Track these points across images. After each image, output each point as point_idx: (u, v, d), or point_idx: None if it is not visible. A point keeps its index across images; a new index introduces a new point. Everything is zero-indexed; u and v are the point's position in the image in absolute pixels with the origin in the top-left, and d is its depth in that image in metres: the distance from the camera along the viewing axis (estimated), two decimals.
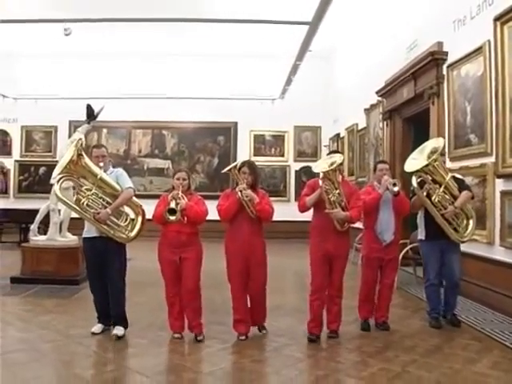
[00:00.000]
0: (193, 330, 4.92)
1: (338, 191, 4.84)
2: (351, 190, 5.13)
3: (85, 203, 4.76)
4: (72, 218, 8.14)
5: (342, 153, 6.34)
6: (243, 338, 4.90)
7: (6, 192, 16.12)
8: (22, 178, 16.41)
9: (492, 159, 6.29)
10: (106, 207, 4.81)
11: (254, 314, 5.08)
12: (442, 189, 5.23)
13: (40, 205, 11.91)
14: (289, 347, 4.71)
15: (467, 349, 4.69)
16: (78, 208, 4.79)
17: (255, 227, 4.97)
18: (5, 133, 16.31)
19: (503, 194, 6.07)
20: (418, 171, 5.25)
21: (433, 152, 5.18)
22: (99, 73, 15.37)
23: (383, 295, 5.47)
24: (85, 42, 13.38)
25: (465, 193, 5.35)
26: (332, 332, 5.01)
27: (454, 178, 5.45)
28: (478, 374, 4.04)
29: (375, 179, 5.58)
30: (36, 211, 11.07)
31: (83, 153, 4.77)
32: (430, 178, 5.25)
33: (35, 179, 16.40)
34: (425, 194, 5.26)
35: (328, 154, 5.35)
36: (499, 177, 6.12)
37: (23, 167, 16.42)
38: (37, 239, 8.19)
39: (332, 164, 4.83)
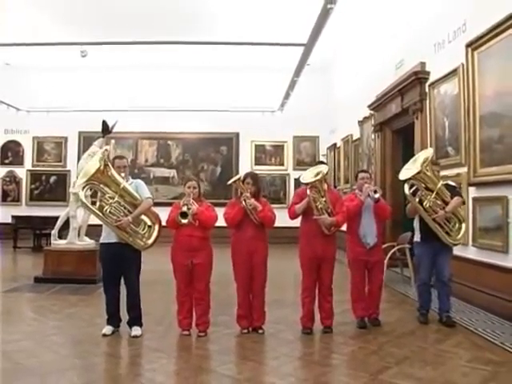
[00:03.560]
0: (198, 326, 5.39)
1: (324, 199, 5.36)
2: (336, 197, 5.71)
3: (107, 210, 5.07)
4: (89, 225, 8.98)
5: (327, 163, 6.78)
6: (245, 331, 5.47)
7: (18, 200, 16.96)
8: (33, 186, 17.22)
9: (465, 169, 7.08)
10: (126, 215, 5.14)
11: (253, 312, 5.52)
12: (433, 195, 5.66)
13: (51, 212, 12.86)
14: (284, 332, 5.51)
15: (437, 332, 5.51)
16: (101, 214, 5.08)
17: (258, 232, 5.47)
18: (17, 143, 17.18)
19: (475, 200, 6.86)
20: (410, 179, 5.71)
21: (424, 161, 5.62)
22: (108, 86, 16.20)
23: (373, 295, 5.88)
24: (94, 58, 14.17)
25: (456, 198, 5.74)
26: (326, 327, 5.55)
27: (447, 185, 5.93)
28: (442, 350, 4.84)
29: (357, 187, 6.09)
30: (50, 218, 11.97)
31: (109, 163, 5.15)
32: (423, 185, 5.71)
33: (46, 188, 17.22)
34: (417, 200, 5.71)
35: (314, 165, 5.77)
36: (471, 185, 6.91)
37: (35, 176, 17.25)
38: (58, 243, 8.97)
39: (318, 174, 5.32)
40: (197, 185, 5.47)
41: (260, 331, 5.48)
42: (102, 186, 5.13)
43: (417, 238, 6.10)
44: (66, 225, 9.33)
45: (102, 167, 5.02)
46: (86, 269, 8.50)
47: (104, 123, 9.09)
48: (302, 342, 5.24)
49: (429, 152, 5.99)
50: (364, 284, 5.92)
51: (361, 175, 6.05)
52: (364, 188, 5.81)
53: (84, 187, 5.14)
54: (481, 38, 6.69)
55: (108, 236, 5.38)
